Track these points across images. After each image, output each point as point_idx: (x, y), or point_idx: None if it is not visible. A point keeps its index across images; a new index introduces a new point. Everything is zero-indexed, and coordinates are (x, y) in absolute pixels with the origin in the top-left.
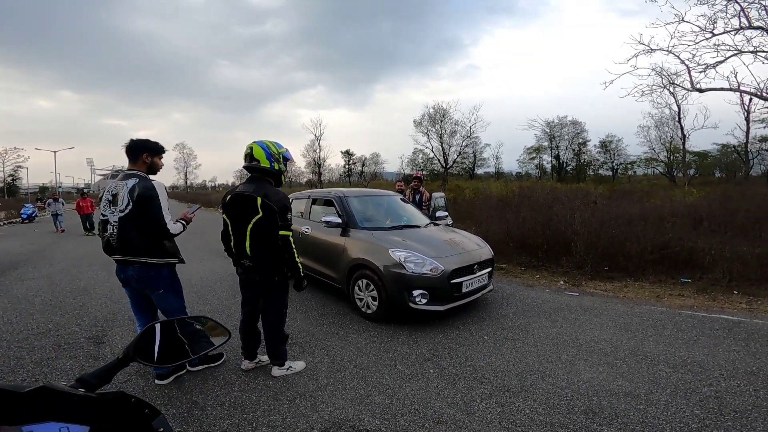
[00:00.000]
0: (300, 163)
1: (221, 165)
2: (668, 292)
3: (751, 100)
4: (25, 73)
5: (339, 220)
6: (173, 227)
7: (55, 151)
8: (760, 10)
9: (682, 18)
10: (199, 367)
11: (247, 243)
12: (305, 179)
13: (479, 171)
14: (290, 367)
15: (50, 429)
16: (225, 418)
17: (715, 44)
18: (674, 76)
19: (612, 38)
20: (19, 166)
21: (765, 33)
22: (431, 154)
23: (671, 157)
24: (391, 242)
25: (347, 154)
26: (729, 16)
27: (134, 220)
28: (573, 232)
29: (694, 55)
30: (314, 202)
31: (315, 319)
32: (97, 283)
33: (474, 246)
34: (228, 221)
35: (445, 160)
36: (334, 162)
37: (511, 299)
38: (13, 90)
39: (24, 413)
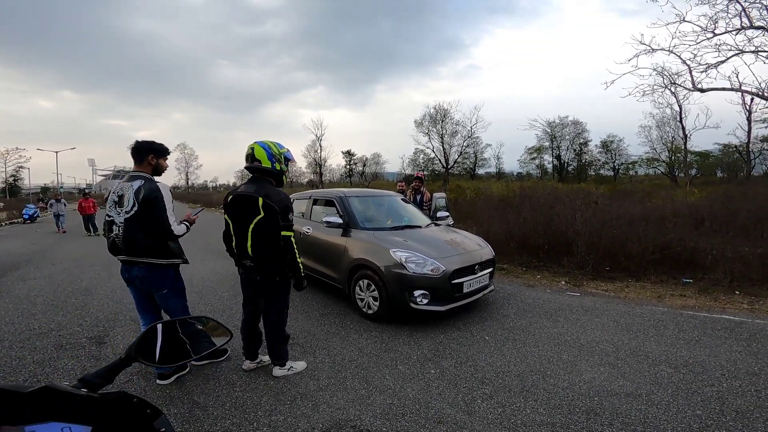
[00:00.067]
0: (301, 163)
1: (222, 165)
2: (670, 292)
3: (752, 99)
4: (25, 73)
5: (340, 221)
6: (177, 229)
7: (56, 152)
8: (761, 10)
9: (683, 18)
10: (204, 362)
11: (249, 243)
12: (306, 179)
13: (480, 171)
14: (291, 367)
15: (53, 429)
16: (226, 418)
17: (716, 44)
18: (675, 76)
19: (612, 38)
20: (21, 167)
21: (766, 33)
22: (432, 155)
23: (673, 157)
24: (392, 242)
25: (348, 154)
26: (730, 16)
27: (139, 222)
28: (574, 233)
29: (695, 55)
30: (315, 202)
31: (316, 320)
32: (99, 283)
33: (475, 246)
34: (229, 221)
35: (446, 161)
36: (335, 162)
37: (513, 299)
38: (14, 90)
39: (27, 413)
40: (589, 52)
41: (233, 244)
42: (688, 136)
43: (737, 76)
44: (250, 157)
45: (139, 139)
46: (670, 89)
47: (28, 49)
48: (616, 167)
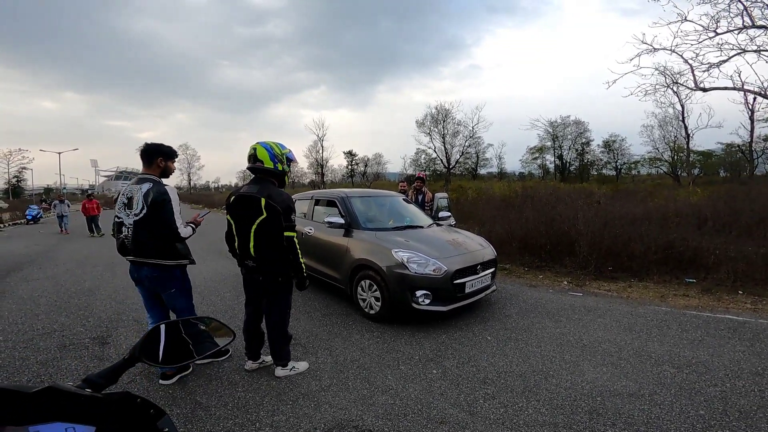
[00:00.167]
0: (303, 163)
1: (224, 166)
2: (672, 292)
3: (755, 99)
4: (28, 74)
5: (342, 221)
6: (184, 231)
7: (59, 153)
8: (763, 9)
9: (685, 17)
10: (206, 360)
11: (251, 244)
12: (308, 180)
13: (482, 171)
14: (293, 367)
15: (57, 429)
16: (228, 418)
17: (718, 43)
18: (677, 76)
19: (613, 38)
20: (24, 168)
21: None
22: (434, 155)
23: (675, 157)
24: (394, 243)
25: (350, 154)
26: (732, 15)
27: (148, 224)
28: (576, 232)
29: (697, 55)
30: (317, 202)
31: (318, 320)
32: (102, 284)
33: (477, 246)
34: (232, 222)
35: (448, 161)
36: (337, 162)
37: (515, 299)
38: (16, 91)
39: (31, 413)
40: (590, 51)
41: (236, 244)
42: (691, 135)
43: (739, 76)
44: (253, 157)
45: (149, 141)
46: (672, 89)
47: (31, 50)
48: (619, 167)
